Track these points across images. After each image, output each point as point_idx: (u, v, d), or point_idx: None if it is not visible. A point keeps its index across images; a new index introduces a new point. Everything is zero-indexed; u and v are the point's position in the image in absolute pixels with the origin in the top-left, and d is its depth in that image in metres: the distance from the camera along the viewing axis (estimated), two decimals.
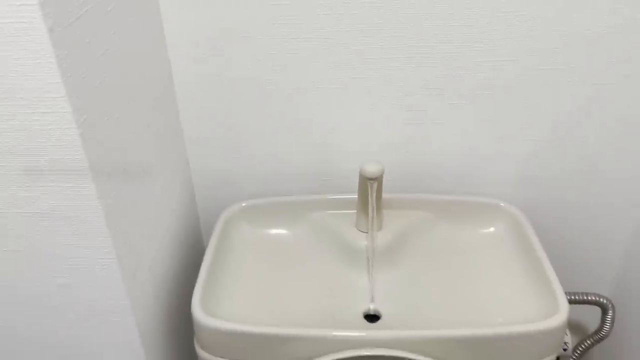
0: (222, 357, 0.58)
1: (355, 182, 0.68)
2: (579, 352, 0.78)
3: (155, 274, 0.61)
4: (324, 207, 0.73)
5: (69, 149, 0.43)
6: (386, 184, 0.68)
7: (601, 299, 0.74)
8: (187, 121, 0.71)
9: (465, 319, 0.61)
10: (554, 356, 0.59)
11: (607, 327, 0.75)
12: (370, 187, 0.63)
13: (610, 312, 0.74)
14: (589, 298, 0.74)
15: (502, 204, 0.72)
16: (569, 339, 0.65)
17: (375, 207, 0.65)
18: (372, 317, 0.64)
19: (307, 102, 0.69)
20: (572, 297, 0.73)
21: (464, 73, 0.66)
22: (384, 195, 0.69)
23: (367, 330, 0.60)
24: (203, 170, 0.75)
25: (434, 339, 0.55)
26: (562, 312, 0.57)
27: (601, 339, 0.76)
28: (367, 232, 0.69)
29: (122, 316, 0.54)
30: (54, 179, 0.45)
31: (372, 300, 0.65)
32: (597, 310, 0.76)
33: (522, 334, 0.55)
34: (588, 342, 0.77)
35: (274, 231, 0.73)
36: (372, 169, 0.61)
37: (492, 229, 0.72)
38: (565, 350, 0.65)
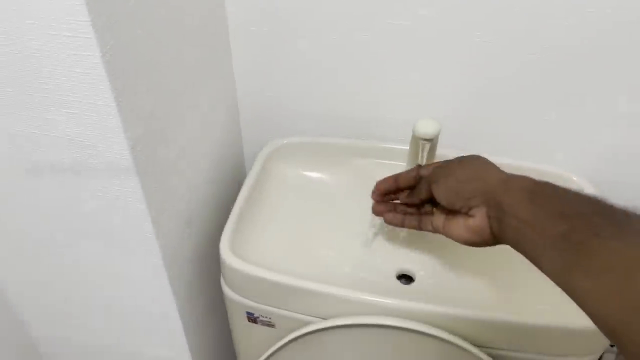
0: (245, 297, 0.58)
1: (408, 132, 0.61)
2: None
3: (189, 203, 0.60)
4: (371, 154, 0.68)
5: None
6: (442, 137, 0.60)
7: None
8: (238, 49, 0.66)
9: (497, 300, 0.56)
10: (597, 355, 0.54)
11: None
12: (422, 147, 0.55)
13: None
14: None
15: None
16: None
17: None
18: (405, 277, 0.60)
19: (364, 45, 0.62)
20: None
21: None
22: (438, 150, 0.61)
23: (396, 299, 0.53)
24: (251, 102, 0.71)
25: (463, 318, 0.51)
26: None
27: None
28: None
29: (148, 245, 0.53)
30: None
31: (408, 261, 0.61)
32: None
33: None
34: None
35: (315, 174, 0.69)
36: (425, 129, 0.53)
37: None
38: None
